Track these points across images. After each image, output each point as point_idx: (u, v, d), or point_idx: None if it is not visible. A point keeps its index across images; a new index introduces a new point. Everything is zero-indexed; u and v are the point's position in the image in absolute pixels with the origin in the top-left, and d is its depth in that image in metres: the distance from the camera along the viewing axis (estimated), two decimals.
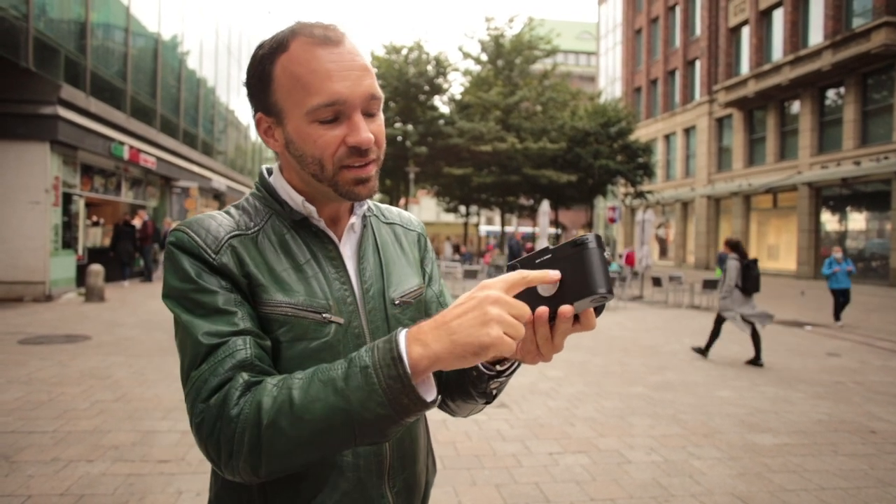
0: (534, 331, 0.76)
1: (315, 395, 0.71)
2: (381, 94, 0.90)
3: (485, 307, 0.68)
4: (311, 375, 0.74)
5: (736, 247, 7.40)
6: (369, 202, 1.05)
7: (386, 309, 0.98)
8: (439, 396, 0.74)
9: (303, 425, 0.71)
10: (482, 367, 0.88)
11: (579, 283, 0.72)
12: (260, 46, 0.90)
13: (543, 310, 0.73)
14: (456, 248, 14.32)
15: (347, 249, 0.98)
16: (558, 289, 0.74)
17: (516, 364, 0.89)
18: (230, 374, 0.77)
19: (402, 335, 0.71)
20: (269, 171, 1.00)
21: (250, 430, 0.72)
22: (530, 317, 0.72)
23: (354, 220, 0.99)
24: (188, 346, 0.81)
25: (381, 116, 0.91)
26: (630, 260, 19.50)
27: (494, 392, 0.93)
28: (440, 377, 1.05)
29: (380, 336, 0.95)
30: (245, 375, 0.77)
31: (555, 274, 0.73)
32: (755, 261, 7.32)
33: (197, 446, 0.87)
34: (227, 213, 0.94)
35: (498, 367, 0.88)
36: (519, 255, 19.41)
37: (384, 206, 1.14)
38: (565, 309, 0.72)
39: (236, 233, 0.89)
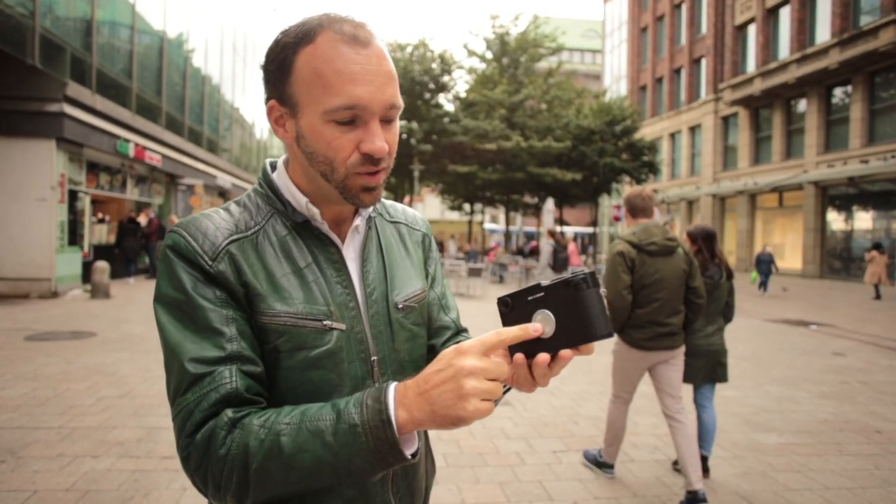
0: (529, 369, 0.78)
1: (303, 444, 0.74)
2: (401, 103, 0.87)
3: (460, 380, 0.70)
4: (300, 422, 0.75)
5: (552, 234, 9.84)
6: (380, 201, 1.03)
7: (389, 313, 0.96)
8: (419, 448, 0.78)
9: (291, 472, 0.74)
10: None
11: (578, 326, 0.73)
12: (284, 33, 0.86)
13: (544, 357, 0.75)
14: (561, 246, 14.01)
15: (351, 251, 0.96)
16: (556, 330, 0.74)
17: (508, 387, 0.89)
18: (215, 410, 0.78)
19: (391, 396, 0.74)
20: (273, 166, 0.97)
21: (238, 472, 0.75)
22: (509, 375, 0.74)
23: (359, 221, 0.96)
24: (174, 369, 0.81)
25: (397, 125, 0.89)
26: None
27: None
28: None
29: (382, 341, 0.94)
30: (230, 413, 0.78)
31: (535, 328, 0.74)
32: (565, 246, 9.91)
33: None
34: (227, 210, 0.91)
35: None
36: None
37: (389, 203, 1.11)
38: (566, 354, 0.74)
39: (235, 237, 0.87)
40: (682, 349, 3.51)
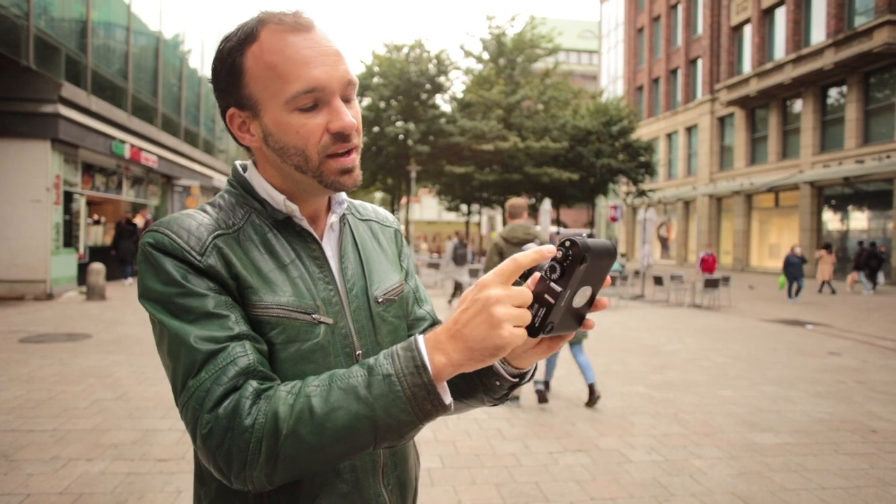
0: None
1: (336, 402, 0.71)
2: (356, 79, 0.88)
3: (489, 309, 0.70)
4: (329, 383, 0.74)
5: (458, 233, 11.35)
6: (347, 200, 1.03)
7: (370, 307, 0.96)
8: (451, 402, 0.75)
9: (324, 433, 0.71)
10: (505, 375, 0.88)
11: (599, 278, 0.76)
12: (226, 39, 0.86)
13: (591, 323, 0.80)
14: (462, 244, 13.94)
15: (328, 249, 0.96)
16: (590, 294, 0.78)
17: (534, 368, 0.91)
18: (236, 382, 0.75)
19: (422, 343, 0.73)
20: (244, 168, 0.97)
21: (267, 440, 0.71)
22: (531, 296, 0.73)
23: (334, 218, 0.97)
24: (181, 354, 0.76)
25: (357, 102, 0.90)
26: (708, 266, 16.45)
27: (511, 396, 0.96)
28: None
29: (365, 335, 0.94)
30: (254, 383, 0.75)
31: (549, 249, 0.73)
32: (465, 244, 12.19)
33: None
34: (204, 211, 0.89)
35: (519, 372, 0.89)
36: None
37: (358, 203, 1.12)
38: (603, 302, 0.80)
39: (219, 232, 0.85)
40: None
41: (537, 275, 0.77)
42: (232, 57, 0.85)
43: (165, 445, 3.91)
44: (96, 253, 13.73)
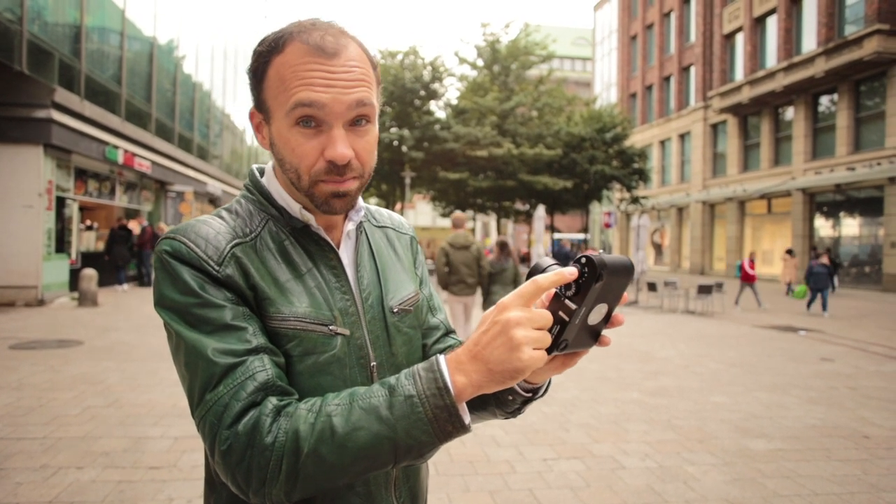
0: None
1: (357, 423, 0.71)
2: (374, 101, 0.85)
3: (509, 332, 0.70)
4: (350, 402, 0.74)
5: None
6: (364, 206, 1.02)
7: (385, 318, 0.96)
8: (470, 423, 0.76)
9: (345, 453, 0.71)
10: (519, 390, 0.88)
11: (616, 295, 0.76)
12: (262, 42, 0.87)
13: (607, 340, 0.81)
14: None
15: (345, 257, 0.95)
16: (606, 312, 0.77)
17: (548, 383, 0.93)
18: (255, 398, 0.74)
19: (444, 364, 0.73)
20: (261, 172, 0.96)
21: (288, 459, 0.71)
22: (551, 319, 0.73)
23: (350, 227, 0.96)
24: (199, 367, 0.75)
25: (372, 129, 0.87)
26: (748, 276, 14.44)
27: (524, 410, 0.95)
28: None
29: (380, 346, 0.93)
30: (274, 400, 0.75)
31: (570, 272, 0.72)
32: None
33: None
34: (220, 217, 0.88)
35: (532, 387, 0.89)
36: (564, 265, 19.04)
37: (374, 209, 1.11)
38: (619, 319, 0.80)
39: (237, 241, 0.85)
40: (476, 296, 7.07)
41: (553, 291, 0.76)
42: (259, 62, 0.86)
43: (157, 453, 3.88)
44: (89, 259, 13.64)
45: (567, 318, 0.73)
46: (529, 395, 0.89)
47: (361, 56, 0.85)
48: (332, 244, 0.92)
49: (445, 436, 0.72)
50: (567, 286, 0.73)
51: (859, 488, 3.67)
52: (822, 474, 3.88)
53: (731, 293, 16.40)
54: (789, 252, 18.96)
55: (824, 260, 13.39)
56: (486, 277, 6.92)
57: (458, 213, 7.05)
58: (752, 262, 14.76)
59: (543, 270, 0.82)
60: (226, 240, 0.83)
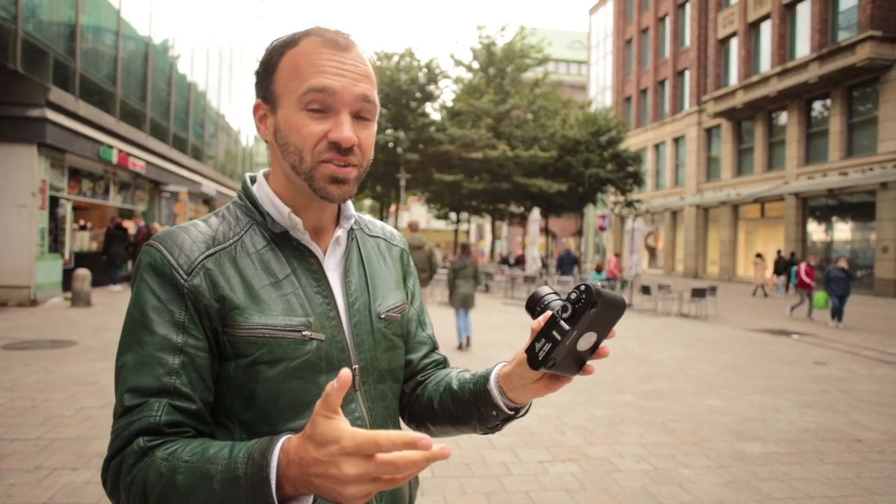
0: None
1: (194, 487, 0.73)
2: (376, 100, 0.90)
3: (341, 487, 0.64)
4: (197, 461, 0.74)
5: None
6: (356, 215, 1.04)
7: (372, 322, 0.98)
8: None
9: None
10: (503, 407, 0.93)
11: (606, 327, 0.81)
12: (276, 40, 0.92)
13: (591, 369, 0.85)
14: (466, 248, 13.73)
15: (332, 262, 0.97)
16: (594, 342, 0.83)
17: (530, 404, 0.96)
18: (130, 439, 0.79)
19: (275, 457, 0.69)
20: (253, 179, 1.00)
21: (132, 497, 0.77)
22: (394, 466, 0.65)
23: (340, 233, 0.98)
24: (117, 391, 0.83)
25: (373, 126, 0.92)
26: (804, 284, 13.52)
27: (503, 427, 0.99)
28: (433, 410, 1.06)
29: (365, 350, 0.95)
30: (141, 441, 0.78)
31: (425, 443, 0.61)
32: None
33: None
34: (206, 222, 0.92)
35: (516, 406, 0.94)
36: (570, 268, 19.04)
37: (367, 218, 1.14)
38: (605, 351, 0.85)
39: (212, 251, 0.88)
40: (428, 287, 9.24)
41: (549, 313, 0.82)
42: (272, 55, 0.91)
43: None
44: (82, 258, 13.56)
45: (559, 338, 0.79)
46: (512, 413, 0.94)
47: (366, 59, 0.92)
48: (313, 249, 0.94)
49: None
50: (564, 308, 0.79)
51: (852, 491, 3.70)
52: (816, 477, 3.91)
53: (724, 297, 16.48)
54: (759, 256, 20.30)
55: (843, 264, 12.17)
56: (451, 274, 8.63)
57: (414, 219, 8.72)
58: (809, 267, 13.39)
59: (542, 298, 0.88)
60: (199, 250, 0.87)
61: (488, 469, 3.90)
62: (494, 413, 0.93)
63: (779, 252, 21.22)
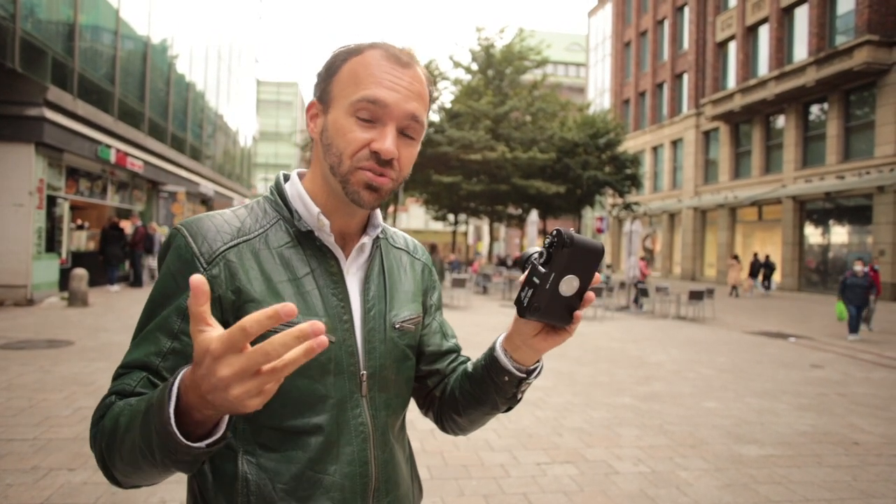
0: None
1: (129, 424, 0.73)
2: (424, 121, 0.93)
3: (226, 392, 0.62)
4: (137, 403, 0.75)
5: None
6: (383, 225, 1.06)
7: (386, 330, 0.98)
8: (220, 437, 0.70)
9: (124, 452, 0.74)
10: (513, 370, 0.94)
11: (586, 270, 0.82)
12: (342, 47, 0.96)
13: (579, 315, 0.87)
14: (434, 248, 13.75)
15: (353, 267, 0.98)
16: (578, 287, 0.84)
17: (541, 365, 0.98)
18: (104, 400, 0.82)
19: (177, 383, 0.68)
20: (286, 177, 1.01)
21: (97, 448, 0.79)
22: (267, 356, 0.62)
23: (366, 240, 0.99)
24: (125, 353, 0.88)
25: (416, 146, 0.95)
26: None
27: (520, 396, 0.99)
28: (432, 396, 1.09)
29: (375, 357, 0.96)
30: (113, 398, 0.81)
31: (288, 308, 0.60)
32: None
33: None
34: (234, 212, 0.95)
35: (526, 368, 0.95)
36: None
37: (392, 230, 1.14)
38: (590, 297, 0.86)
39: (234, 242, 0.89)
40: None
41: (532, 263, 0.85)
42: (335, 60, 0.94)
43: None
44: (79, 258, 13.53)
45: (538, 282, 0.81)
46: (523, 375, 0.95)
47: (424, 80, 0.94)
48: (335, 252, 0.95)
49: (166, 451, 0.68)
50: (540, 255, 0.82)
51: (850, 494, 3.70)
52: (813, 480, 3.92)
53: (721, 299, 16.50)
54: (735, 257, 21.20)
55: (858, 268, 10.59)
56: None
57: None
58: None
59: (529, 256, 0.90)
60: (222, 240, 0.88)
61: (486, 471, 3.89)
62: (507, 378, 0.94)
63: (755, 255, 21.85)
